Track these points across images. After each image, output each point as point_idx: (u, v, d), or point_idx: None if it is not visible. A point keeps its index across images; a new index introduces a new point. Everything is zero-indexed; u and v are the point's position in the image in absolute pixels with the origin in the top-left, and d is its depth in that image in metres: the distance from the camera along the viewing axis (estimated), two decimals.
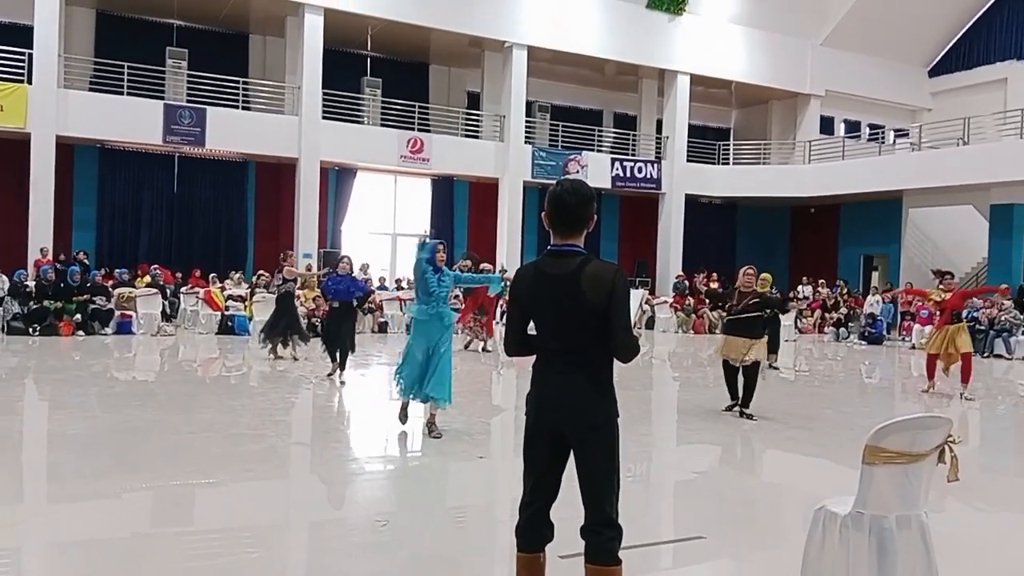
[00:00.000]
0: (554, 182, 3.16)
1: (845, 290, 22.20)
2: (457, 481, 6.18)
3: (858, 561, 3.30)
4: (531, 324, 3.18)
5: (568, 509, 3.21)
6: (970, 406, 10.35)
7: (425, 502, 5.53)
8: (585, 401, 3.01)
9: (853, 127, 26.56)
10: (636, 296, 3.35)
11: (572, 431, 3.02)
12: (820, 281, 22.60)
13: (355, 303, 10.67)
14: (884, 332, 19.79)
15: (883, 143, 25.07)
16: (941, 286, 11.08)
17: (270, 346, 12.21)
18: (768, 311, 8.95)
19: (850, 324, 20.60)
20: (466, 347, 14.17)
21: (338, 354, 10.27)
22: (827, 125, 26.27)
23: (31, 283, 15.17)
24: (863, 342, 19.31)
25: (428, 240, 7.28)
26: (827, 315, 21.28)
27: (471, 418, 8.27)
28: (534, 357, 3.18)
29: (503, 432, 8.29)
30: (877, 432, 3.28)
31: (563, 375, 3.03)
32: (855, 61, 25.11)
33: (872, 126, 26.46)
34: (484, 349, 14.20)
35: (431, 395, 7.00)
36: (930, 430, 3.35)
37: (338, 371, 10.33)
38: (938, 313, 11.24)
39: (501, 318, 15.43)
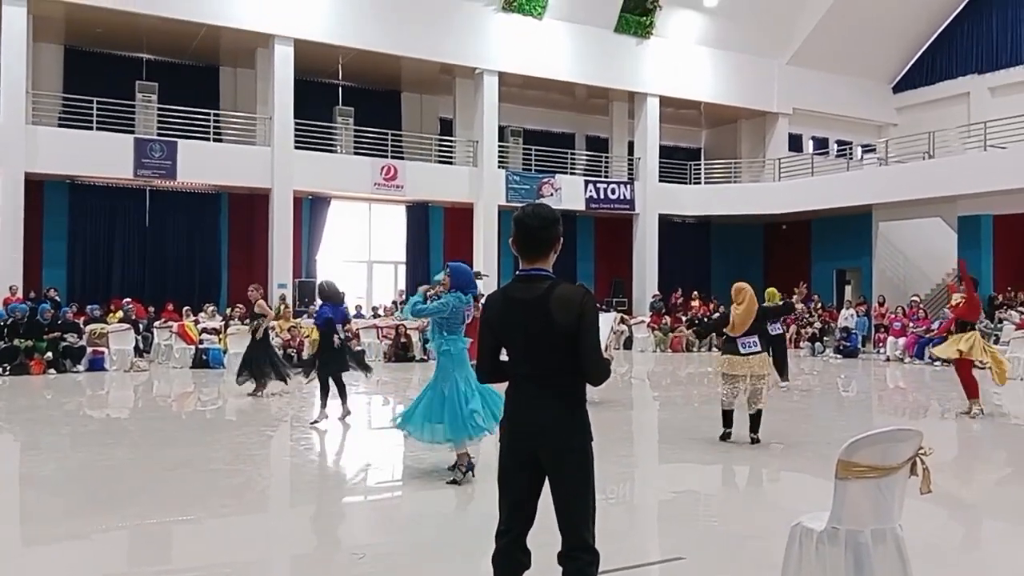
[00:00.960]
0: (519, 208, 3.18)
1: (819, 305, 22.39)
2: (434, 510, 6.13)
3: None
4: (503, 350, 3.18)
5: (545, 535, 3.20)
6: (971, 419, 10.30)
7: (402, 534, 5.48)
8: (558, 425, 3.00)
9: (821, 144, 26.96)
10: (607, 320, 3.37)
11: (546, 455, 3.02)
12: (794, 295, 22.74)
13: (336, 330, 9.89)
14: (859, 345, 19.97)
15: (851, 159, 25.46)
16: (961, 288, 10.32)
17: (253, 383, 11.58)
18: (768, 319, 8.41)
19: (825, 338, 20.76)
20: None
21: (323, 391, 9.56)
22: (796, 142, 26.64)
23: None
24: (839, 356, 19.46)
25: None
26: (802, 330, 21.44)
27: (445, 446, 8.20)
28: (507, 383, 3.18)
29: (480, 459, 8.25)
30: (849, 447, 3.31)
31: (535, 399, 3.03)
32: (821, 79, 25.55)
33: (840, 142, 26.85)
34: None
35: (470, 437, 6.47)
36: (901, 443, 3.38)
37: (342, 408, 9.61)
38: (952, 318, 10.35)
39: None
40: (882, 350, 19.31)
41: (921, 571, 3.52)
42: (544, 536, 3.19)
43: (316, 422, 9.40)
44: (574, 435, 3.02)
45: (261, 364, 11.60)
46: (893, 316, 19.40)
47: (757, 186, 25.29)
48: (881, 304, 20.76)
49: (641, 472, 7.65)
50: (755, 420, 8.21)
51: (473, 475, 6.44)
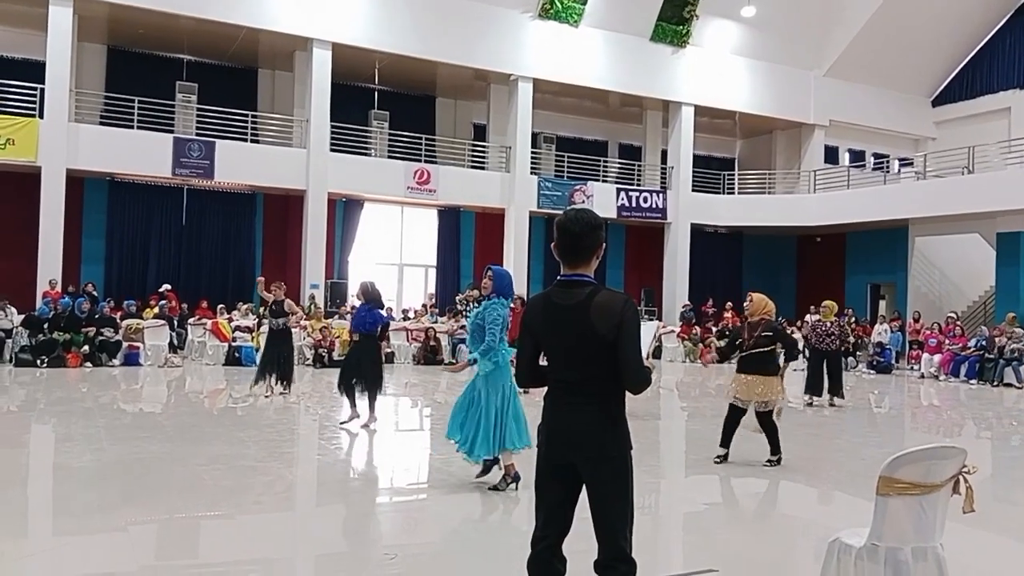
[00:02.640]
0: (562, 212, 3.16)
1: (853, 319, 22.10)
2: (467, 513, 6.13)
3: None
4: (542, 355, 3.17)
5: (581, 542, 3.18)
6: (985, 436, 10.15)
7: (434, 535, 5.48)
8: (596, 433, 2.98)
9: (858, 156, 26.66)
10: (650, 328, 3.34)
11: (584, 464, 2.99)
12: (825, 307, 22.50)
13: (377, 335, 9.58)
14: (893, 361, 19.68)
15: (888, 172, 25.15)
16: None
17: (264, 384, 11.32)
18: (780, 347, 7.78)
19: (858, 353, 20.48)
20: None
21: (365, 394, 9.29)
22: (831, 154, 26.36)
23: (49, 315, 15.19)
24: (872, 371, 19.19)
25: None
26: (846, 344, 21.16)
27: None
28: (545, 388, 3.17)
29: (515, 462, 8.24)
30: (891, 463, 3.26)
31: (574, 407, 3.01)
32: (858, 91, 25.27)
33: (876, 155, 26.54)
34: None
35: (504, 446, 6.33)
36: (944, 460, 3.33)
37: (369, 414, 9.32)
38: None
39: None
40: (916, 367, 19.02)
41: None
42: (581, 543, 3.18)
43: (346, 422, 9.39)
44: (612, 444, 2.99)
45: (282, 363, 11.20)
46: (929, 332, 19.10)
47: (791, 198, 25.05)
48: (916, 320, 20.46)
49: (669, 483, 7.60)
50: (770, 437, 7.78)
51: (516, 488, 6.37)
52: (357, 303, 9.89)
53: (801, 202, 24.56)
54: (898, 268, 23.84)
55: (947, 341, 18.50)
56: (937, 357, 18.27)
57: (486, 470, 6.55)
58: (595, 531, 3.01)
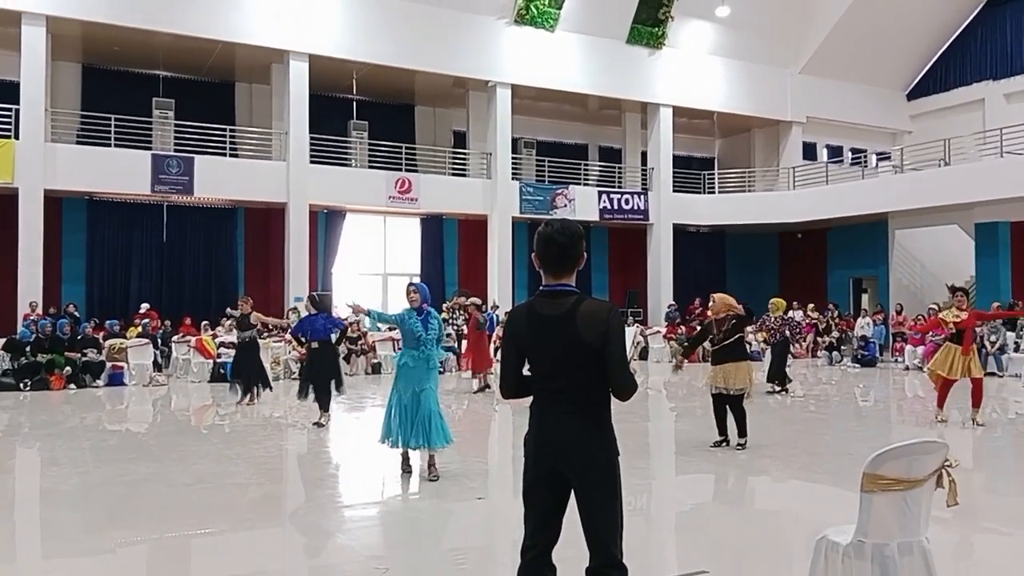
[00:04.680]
0: (543, 223, 3.17)
1: (836, 313, 22.26)
2: (456, 524, 6.13)
3: None
4: (527, 365, 3.18)
5: (570, 549, 3.19)
6: (977, 429, 10.21)
7: (424, 546, 5.48)
8: (584, 441, 2.99)
9: (836, 152, 26.85)
10: (629, 333, 3.35)
11: (572, 472, 3.01)
12: (810, 305, 22.67)
13: (334, 340, 10.55)
14: (877, 354, 19.83)
15: (866, 167, 25.35)
16: (955, 305, 10.22)
17: (240, 395, 12.12)
18: (745, 325, 8.79)
19: (843, 347, 20.63)
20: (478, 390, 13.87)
21: (321, 396, 10.13)
22: (810, 151, 26.55)
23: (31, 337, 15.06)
24: (856, 365, 19.34)
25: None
26: (819, 339, 21.32)
27: (468, 458, 8.22)
28: (531, 397, 3.18)
29: (501, 472, 8.25)
30: (874, 460, 3.29)
31: (561, 415, 3.02)
32: (834, 87, 25.49)
33: (854, 150, 26.75)
34: (481, 389, 13.91)
35: (430, 443, 6.90)
36: (927, 455, 3.36)
37: (322, 415, 10.14)
38: (951, 334, 10.13)
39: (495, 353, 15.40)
40: (900, 359, 19.17)
41: None
42: (569, 550, 3.18)
43: (320, 424, 9.99)
44: (600, 451, 3.01)
45: (250, 373, 12.07)
46: (913, 324, 19.23)
47: (772, 195, 25.22)
48: (899, 312, 20.62)
49: (659, 483, 7.62)
50: (738, 420, 8.55)
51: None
52: (304, 314, 10.80)
53: (781, 199, 24.72)
54: (879, 262, 24.05)
55: (930, 333, 18.62)
56: (920, 349, 18.42)
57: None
58: (586, 538, 3.02)
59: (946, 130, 23.20)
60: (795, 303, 22.97)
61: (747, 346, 8.87)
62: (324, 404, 10.13)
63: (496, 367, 13.35)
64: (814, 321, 21.82)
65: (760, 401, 12.02)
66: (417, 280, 21.79)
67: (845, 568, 3.34)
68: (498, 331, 19.89)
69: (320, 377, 10.13)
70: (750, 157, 26.98)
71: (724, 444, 8.55)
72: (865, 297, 25.38)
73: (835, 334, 21.09)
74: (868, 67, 25.61)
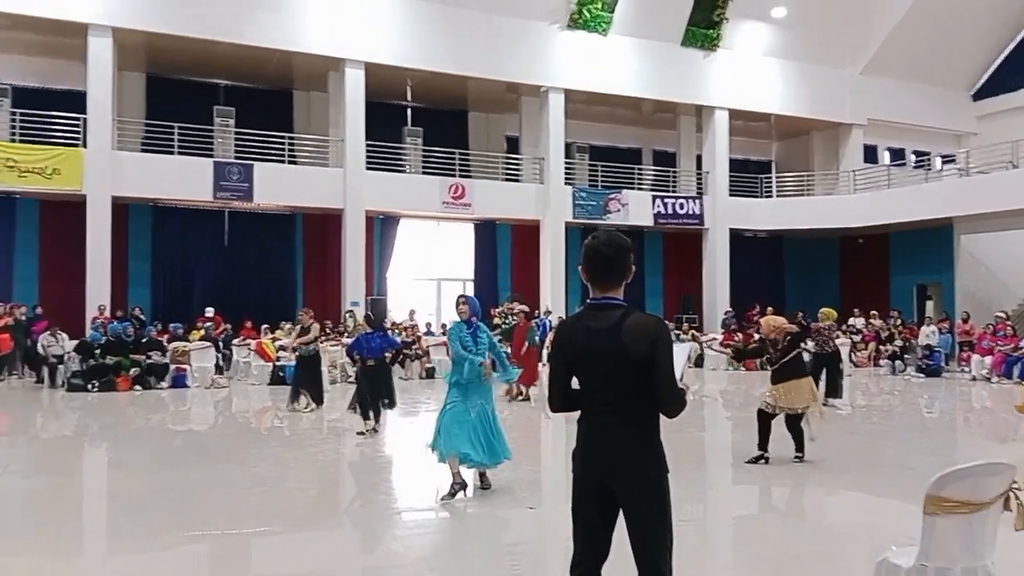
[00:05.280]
0: (590, 235, 3.14)
1: (899, 321, 21.69)
2: (507, 533, 6.13)
3: None
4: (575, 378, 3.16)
5: (620, 561, 3.15)
6: None
7: (474, 554, 5.49)
8: (632, 456, 2.97)
9: (898, 155, 26.20)
10: (683, 349, 3.30)
11: (620, 486, 2.99)
12: (872, 312, 22.16)
13: (387, 359, 10.41)
14: (942, 364, 19.24)
15: (930, 170, 24.68)
16: None
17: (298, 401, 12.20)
18: (800, 341, 8.36)
19: (906, 356, 20.06)
20: (513, 399, 13.55)
21: (374, 409, 10.07)
22: (871, 154, 25.96)
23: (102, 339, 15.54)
24: (920, 375, 18.76)
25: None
26: (882, 347, 20.79)
27: (519, 468, 8.22)
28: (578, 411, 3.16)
29: (553, 481, 8.23)
30: (937, 481, 3.19)
31: (608, 430, 3.00)
32: (896, 88, 24.87)
33: (917, 153, 26.07)
34: (520, 396, 13.59)
35: (493, 459, 6.73)
36: (992, 476, 3.25)
37: (373, 424, 10.02)
38: None
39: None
40: (967, 369, 18.58)
41: None
42: (619, 562, 3.15)
43: (362, 433, 9.85)
44: (648, 466, 2.98)
45: (308, 387, 12.13)
46: (982, 333, 18.61)
47: (832, 199, 24.72)
48: (965, 320, 19.99)
49: (714, 495, 7.52)
50: (796, 438, 8.25)
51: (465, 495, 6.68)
52: (359, 318, 10.53)
53: (842, 203, 24.21)
54: (944, 268, 23.36)
55: (999, 342, 18.03)
56: (988, 359, 17.82)
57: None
58: (634, 554, 3.00)
59: (1014, 131, 22.43)
60: (856, 310, 22.54)
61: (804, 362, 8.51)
62: (368, 415, 10.06)
63: (542, 380, 13.21)
64: (876, 329, 21.32)
65: (849, 419, 11.72)
66: (471, 286, 22.02)
67: None
68: (550, 336, 19.92)
69: (372, 396, 10.10)
70: (809, 160, 26.49)
71: (764, 461, 8.12)
72: (930, 304, 24.67)
73: (898, 342, 20.53)
74: (931, 67, 24.94)
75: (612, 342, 2.96)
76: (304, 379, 12.20)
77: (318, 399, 12.24)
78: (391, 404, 10.48)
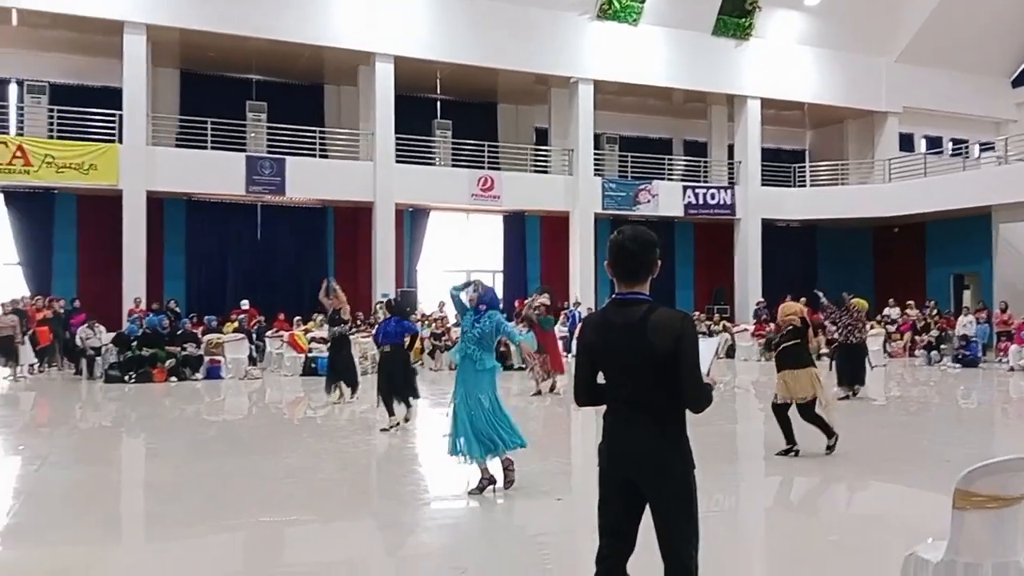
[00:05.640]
0: (615, 231, 3.12)
1: (935, 311, 21.35)
2: (536, 524, 6.16)
3: None
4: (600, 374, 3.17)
5: (645, 553, 3.16)
6: None
7: (505, 546, 5.53)
8: (658, 452, 2.97)
9: (934, 143, 25.73)
10: (711, 344, 3.28)
11: (645, 482, 2.99)
12: (908, 302, 21.83)
13: (405, 345, 10.00)
14: (980, 354, 18.90)
15: (967, 158, 24.22)
16: None
17: (333, 391, 12.07)
18: (801, 333, 8.19)
19: (943, 346, 19.75)
20: (542, 391, 13.13)
21: (398, 400, 9.76)
22: (906, 142, 25.52)
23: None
24: (957, 365, 18.45)
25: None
26: (917, 338, 20.48)
27: (548, 459, 8.25)
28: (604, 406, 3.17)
29: (581, 473, 8.24)
30: (966, 476, 3.16)
31: (634, 426, 3.00)
32: (933, 75, 24.41)
33: (955, 141, 25.58)
34: (552, 389, 13.20)
35: (496, 449, 6.58)
36: (1022, 472, 3.21)
37: (397, 419, 9.71)
38: None
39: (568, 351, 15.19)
40: (1004, 359, 18.24)
41: None
42: (645, 555, 3.16)
43: (387, 429, 9.59)
44: (674, 462, 2.98)
45: (341, 371, 12.02)
46: (1021, 323, 18.23)
47: (866, 188, 24.38)
48: (1003, 310, 19.61)
49: (744, 487, 7.48)
50: (817, 426, 8.13)
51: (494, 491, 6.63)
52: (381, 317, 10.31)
53: (876, 192, 23.86)
54: (982, 257, 22.92)
55: None
56: None
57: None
58: (660, 548, 2.99)
59: None
60: (891, 300, 22.23)
61: (810, 353, 8.31)
62: (390, 408, 9.75)
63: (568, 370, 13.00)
64: (911, 319, 21.01)
65: (847, 407, 11.65)
66: (499, 278, 22.08)
67: None
68: (580, 327, 19.90)
69: (390, 387, 9.75)
70: (843, 149, 26.13)
71: (793, 454, 8.04)
72: (967, 294, 24.23)
73: (934, 333, 20.22)
74: (969, 53, 24.42)
75: (637, 337, 2.95)
76: (337, 364, 12.07)
77: (352, 384, 12.13)
78: (414, 394, 10.16)
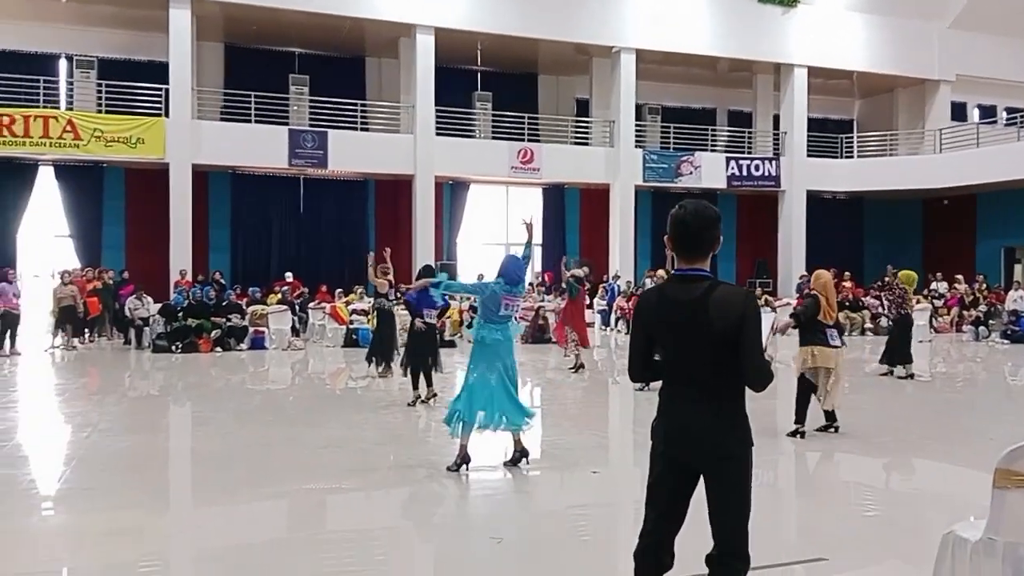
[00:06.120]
0: (677, 205, 3.05)
1: (984, 285, 20.84)
2: (572, 498, 6.20)
3: None
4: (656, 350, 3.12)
5: (689, 527, 3.16)
6: None
7: (541, 518, 5.59)
8: (717, 432, 2.93)
9: (988, 112, 24.98)
10: (767, 319, 3.25)
11: (702, 461, 2.96)
12: (957, 276, 21.34)
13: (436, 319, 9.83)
14: None
15: (1022, 127, 23.45)
16: None
17: (379, 367, 11.78)
18: (812, 311, 7.89)
19: (991, 322, 19.30)
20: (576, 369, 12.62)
21: (423, 375, 9.62)
22: (959, 111, 24.82)
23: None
24: (1006, 341, 18.04)
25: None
26: (965, 312, 20.04)
27: (583, 432, 8.28)
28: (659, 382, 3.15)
29: (618, 446, 8.27)
30: (1008, 454, 3.11)
31: (692, 404, 2.96)
32: (987, 42, 23.61)
33: (1010, 110, 24.77)
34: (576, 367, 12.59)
35: (519, 423, 6.51)
36: None
37: (425, 392, 9.61)
38: None
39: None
40: None
41: None
42: (690, 528, 3.17)
43: (412, 404, 9.51)
44: (732, 441, 2.95)
45: (383, 345, 11.73)
46: None
47: (916, 159, 23.78)
48: None
49: (781, 463, 7.44)
50: (831, 414, 7.95)
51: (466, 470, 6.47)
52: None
53: (927, 163, 23.27)
54: None
55: None
56: None
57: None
58: (711, 525, 2.98)
59: None
60: (938, 274, 21.75)
61: (827, 334, 7.88)
62: (428, 380, 9.65)
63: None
64: (959, 293, 20.56)
65: (890, 383, 11.51)
66: (539, 251, 22.04)
67: (973, 566, 3.19)
68: (619, 301, 19.81)
69: (413, 358, 9.64)
70: (893, 119, 25.48)
71: (833, 430, 7.94)
72: (1018, 268, 23.60)
73: (983, 307, 19.76)
74: None
75: (697, 314, 2.91)
76: (378, 339, 11.86)
77: (388, 361, 11.69)
78: (436, 367, 9.90)
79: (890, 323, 12.80)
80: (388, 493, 6.22)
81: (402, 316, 16.04)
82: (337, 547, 4.88)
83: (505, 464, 6.67)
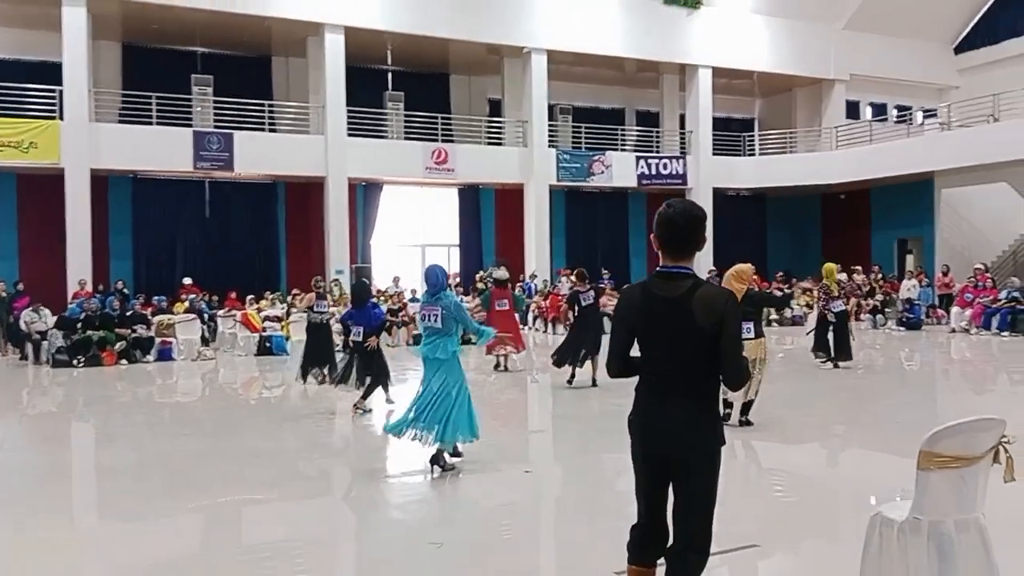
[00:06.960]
0: (665, 204, 3.13)
1: (880, 276, 21.88)
2: (506, 497, 6.19)
3: (918, 567, 3.27)
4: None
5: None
6: None
7: (476, 521, 5.56)
8: (692, 428, 3.01)
9: (880, 110, 26.22)
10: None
11: (678, 458, 3.03)
12: (855, 268, 22.29)
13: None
14: (922, 317, 19.48)
15: (911, 124, 24.73)
16: None
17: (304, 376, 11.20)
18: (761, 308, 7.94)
19: (887, 310, 20.29)
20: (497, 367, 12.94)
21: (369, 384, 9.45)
22: (853, 109, 25.95)
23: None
24: (901, 328, 19.01)
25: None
26: (863, 302, 20.97)
27: (512, 432, 8.29)
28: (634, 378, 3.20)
29: (546, 445, 8.31)
30: (931, 437, 3.26)
31: (669, 400, 3.03)
32: (878, 43, 24.81)
33: (899, 107, 26.10)
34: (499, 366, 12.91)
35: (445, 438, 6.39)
36: (983, 432, 3.31)
37: (362, 400, 9.40)
38: None
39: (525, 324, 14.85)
40: (946, 321, 18.82)
41: (1006, 560, 3.46)
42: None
43: (358, 406, 9.34)
44: (705, 438, 3.02)
45: (319, 359, 11.15)
46: (964, 286, 18.79)
47: (814, 156, 24.76)
48: (945, 274, 20.20)
49: None
50: (747, 405, 8.04)
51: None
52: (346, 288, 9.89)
53: (824, 160, 24.26)
54: (925, 221, 23.52)
55: (979, 295, 18.25)
56: (968, 311, 18.06)
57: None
58: (674, 519, 3.08)
59: (996, 85, 22.41)
60: (837, 266, 22.66)
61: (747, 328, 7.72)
62: (365, 392, 9.44)
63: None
64: (857, 284, 21.47)
65: (810, 371, 11.98)
66: (455, 252, 22.00)
67: (900, 545, 3.32)
68: (536, 299, 19.95)
69: (359, 371, 9.47)
70: (792, 117, 26.47)
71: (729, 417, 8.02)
72: (910, 258, 24.89)
73: (879, 297, 20.74)
74: (914, 20, 24.87)
75: (680, 312, 2.97)
76: (315, 352, 11.14)
77: (332, 371, 10.82)
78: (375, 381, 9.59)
79: (833, 319, 12.78)
80: (314, 502, 6.08)
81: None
82: (266, 559, 4.73)
83: (435, 465, 6.60)
